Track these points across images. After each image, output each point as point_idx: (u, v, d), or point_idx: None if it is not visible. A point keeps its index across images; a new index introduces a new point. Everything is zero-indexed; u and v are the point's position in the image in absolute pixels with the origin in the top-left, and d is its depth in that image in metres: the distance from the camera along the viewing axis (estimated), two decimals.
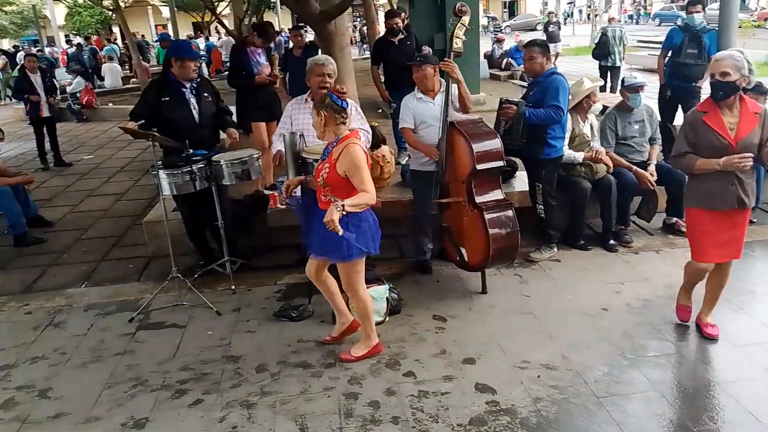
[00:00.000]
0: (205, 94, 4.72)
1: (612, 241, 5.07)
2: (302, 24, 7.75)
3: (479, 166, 4.12)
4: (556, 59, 16.05)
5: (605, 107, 5.69)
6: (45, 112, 9.17)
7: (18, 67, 18.05)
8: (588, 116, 5.22)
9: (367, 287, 3.98)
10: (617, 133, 5.21)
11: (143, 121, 4.44)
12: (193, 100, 4.64)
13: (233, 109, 5.81)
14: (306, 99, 4.33)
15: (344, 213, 3.14)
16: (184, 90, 4.61)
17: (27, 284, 5.10)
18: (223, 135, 4.90)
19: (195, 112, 4.63)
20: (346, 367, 3.55)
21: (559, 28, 18.92)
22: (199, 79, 4.74)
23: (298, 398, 3.30)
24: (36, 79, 9.10)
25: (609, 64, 11.74)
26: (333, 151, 3.30)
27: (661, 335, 3.76)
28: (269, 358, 3.70)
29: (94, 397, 3.42)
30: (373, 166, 5.71)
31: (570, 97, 4.80)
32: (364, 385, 3.39)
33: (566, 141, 4.94)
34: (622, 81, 5.31)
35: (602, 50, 11.73)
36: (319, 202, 3.43)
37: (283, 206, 5.19)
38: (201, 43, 23.44)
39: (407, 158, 5.82)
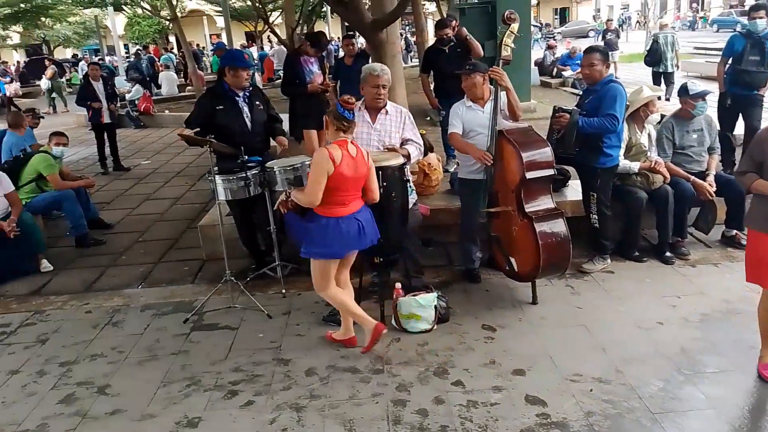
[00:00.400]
0: (257, 103, 4.83)
1: (668, 253, 4.92)
2: (353, 32, 7.85)
3: (528, 175, 4.07)
4: (616, 70, 15.79)
5: (662, 116, 5.52)
6: (106, 119, 9.45)
7: (76, 75, 18.88)
8: (645, 126, 5.08)
9: (416, 295, 4.03)
10: (674, 142, 5.07)
11: (198, 129, 4.55)
12: (246, 109, 4.75)
13: (286, 116, 5.91)
14: (359, 107, 4.32)
15: (289, 200, 3.63)
16: (237, 99, 4.73)
17: (87, 284, 5.29)
18: (273, 142, 5.00)
19: (248, 120, 4.74)
20: (394, 374, 3.56)
21: (618, 36, 18.48)
22: (251, 88, 4.85)
23: (346, 403, 3.32)
24: (98, 86, 9.41)
25: (661, 71, 11.57)
26: None
27: (719, 351, 3.63)
28: (318, 362, 3.74)
29: (150, 395, 3.53)
30: (419, 173, 5.75)
31: (627, 104, 4.69)
32: (412, 392, 3.39)
33: (622, 150, 4.83)
34: (685, 89, 5.09)
35: (654, 57, 11.60)
36: None
37: None
38: (254, 52, 24.00)
39: (455, 166, 5.81)
